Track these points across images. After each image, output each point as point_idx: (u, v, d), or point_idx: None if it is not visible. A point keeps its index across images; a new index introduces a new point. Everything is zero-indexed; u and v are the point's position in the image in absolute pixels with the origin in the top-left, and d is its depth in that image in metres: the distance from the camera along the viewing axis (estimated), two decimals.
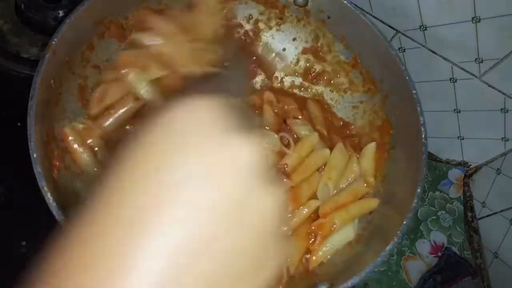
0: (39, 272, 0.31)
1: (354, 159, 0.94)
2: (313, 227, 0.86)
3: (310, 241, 0.86)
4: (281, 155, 0.91)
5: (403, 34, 1.08)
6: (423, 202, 1.24)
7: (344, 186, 0.92)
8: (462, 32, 1.00)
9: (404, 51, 1.12)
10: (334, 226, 0.84)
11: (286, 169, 0.89)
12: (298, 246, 0.86)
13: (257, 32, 1.06)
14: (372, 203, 0.90)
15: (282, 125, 0.98)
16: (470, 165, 1.28)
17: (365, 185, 0.91)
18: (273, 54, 1.06)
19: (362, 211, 0.90)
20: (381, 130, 0.99)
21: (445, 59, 1.07)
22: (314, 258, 0.85)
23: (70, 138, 0.81)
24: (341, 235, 0.87)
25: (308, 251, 0.86)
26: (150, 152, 0.32)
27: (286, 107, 1.00)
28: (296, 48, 1.07)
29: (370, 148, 0.95)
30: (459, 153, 1.27)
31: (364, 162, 0.94)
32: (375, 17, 1.09)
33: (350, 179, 0.92)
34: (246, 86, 1.01)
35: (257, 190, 0.32)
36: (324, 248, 0.86)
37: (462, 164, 1.29)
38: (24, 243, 0.88)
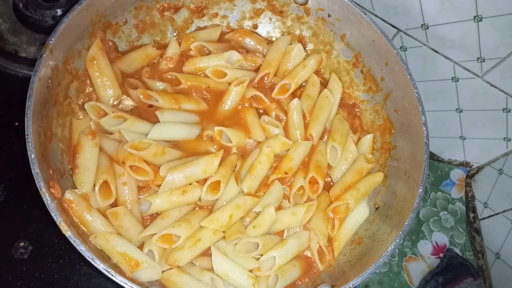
0: None
1: (350, 140, 0.97)
2: (329, 213, 0.89)
3: (329, 229, 0.89)
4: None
5: (405, 33, 1.08)
6: (425, 202, 1.23)
7: (346, 167, 0.95)
8: (464, 31, 0.99)
9: (406, 50, 1.11)
10: (349, 205, 0.88)
11: None
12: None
13: None
14: (378, 177, 0.93)
15: None
16: (472, 165, 1.28)
17: (366, 161, 0.94)
18: None
19: (370, 187, 0.93)
20: (382, 129, 0.98)
21: (447, 58, 1.06)
22: (336, 243, 0.89)
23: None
24: (357, 214, 0.90)
25: (330, 239, 0.89)
26: None
27: None
28: None
29: (367, 139, 0.98)
30: (461, 153, 1.26)
31: (361, 144, 0.98)
32: (376, 16, 1.08)
33: (349, 159, 0.96)
34: None
35: None
36: (344, 231, 0.89)
37: (464, 164, 1.29)
38: (22, 243, 0.87)
